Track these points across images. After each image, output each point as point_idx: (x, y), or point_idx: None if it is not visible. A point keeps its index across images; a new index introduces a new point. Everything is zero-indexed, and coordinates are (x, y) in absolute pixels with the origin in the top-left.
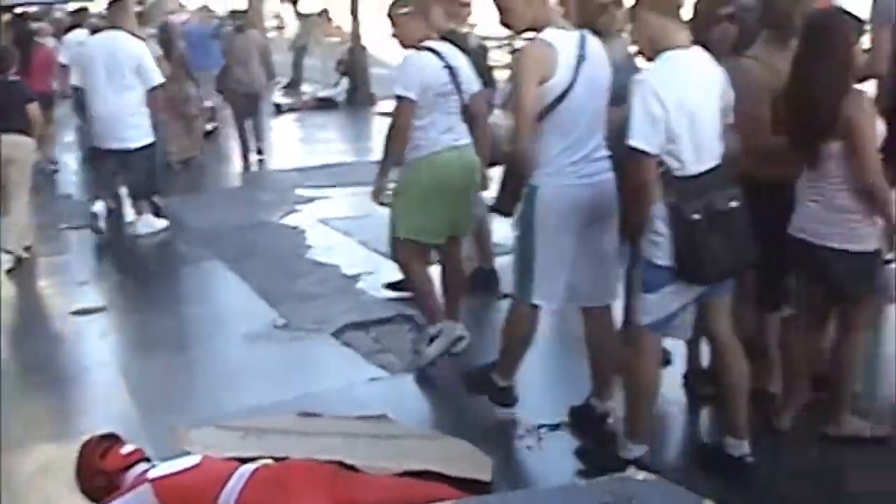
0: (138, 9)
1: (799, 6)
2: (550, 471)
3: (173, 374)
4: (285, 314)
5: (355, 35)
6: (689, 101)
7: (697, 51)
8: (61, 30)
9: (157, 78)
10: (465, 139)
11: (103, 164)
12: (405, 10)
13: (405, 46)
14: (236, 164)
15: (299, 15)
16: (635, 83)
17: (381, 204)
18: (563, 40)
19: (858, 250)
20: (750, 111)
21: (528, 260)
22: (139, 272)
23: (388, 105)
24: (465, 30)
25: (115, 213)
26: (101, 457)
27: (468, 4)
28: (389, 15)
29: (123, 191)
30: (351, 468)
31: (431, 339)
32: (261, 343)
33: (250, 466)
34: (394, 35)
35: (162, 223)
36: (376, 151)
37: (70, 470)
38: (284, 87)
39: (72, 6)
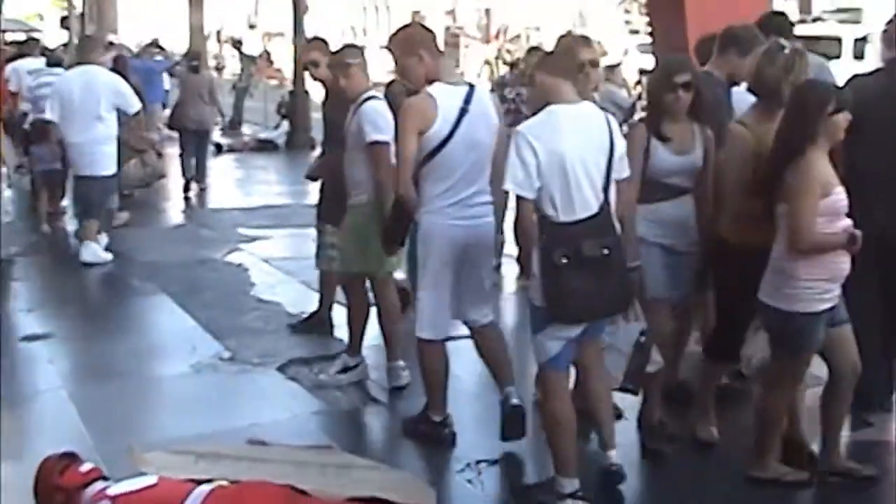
0: None
1: (789, 77)
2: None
3: (122, 400)
4: (231, 347)
5: (298, 79)
6: (562, 152)
7: (586, 106)
8: (2, 61)
9: (137, 104)
10: None
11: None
12: (355, 60)
13: (350, 97)
14: (177, 199)
15: (243, 56)
16: (514, 133)
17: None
18: (447, 95)
19: (784, 309)
20: (735, 176)
21: (415, 292)
22: (85, 302)
23: None
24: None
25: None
26: (59, 474)
27: None
28: (332, 66)
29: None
30: (302, 493)
31: (346, 369)
32: (207, 374)
33: (207, 487)
34: (340, 85)
35: (107, 255)
36: (314, 195)
37: (28, 488)
38: (223, 128)
39: (10, 36)
